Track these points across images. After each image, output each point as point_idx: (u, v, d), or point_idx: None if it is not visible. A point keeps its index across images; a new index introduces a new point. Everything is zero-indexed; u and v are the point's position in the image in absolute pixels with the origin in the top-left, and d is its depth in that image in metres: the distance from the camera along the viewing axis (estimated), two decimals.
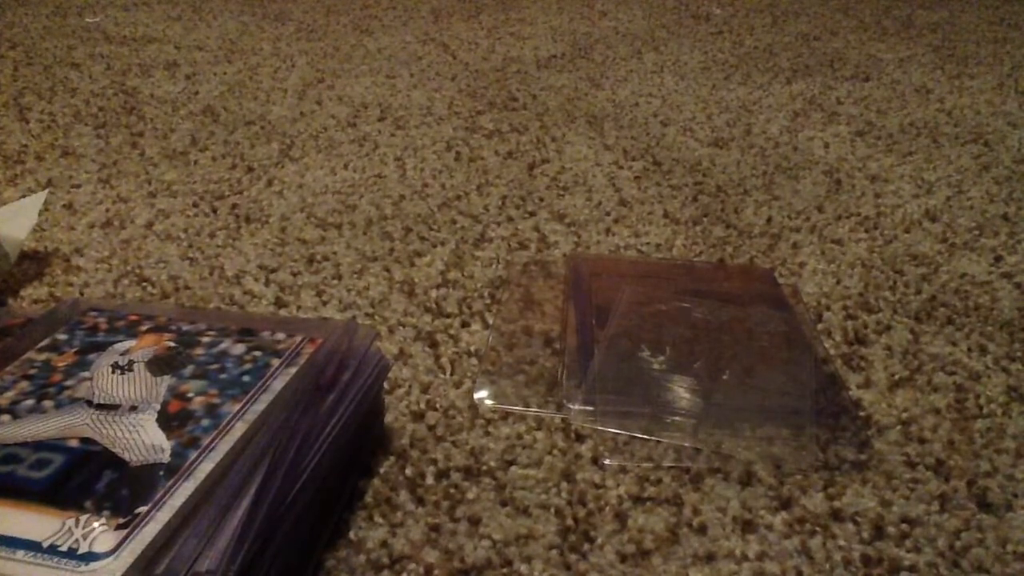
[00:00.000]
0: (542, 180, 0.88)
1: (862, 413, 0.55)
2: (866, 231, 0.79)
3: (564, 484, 0.48)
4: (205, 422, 0.38)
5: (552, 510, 0.47)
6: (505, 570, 0.43)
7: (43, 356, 0.43)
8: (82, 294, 0.66)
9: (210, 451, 0.36)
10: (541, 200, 0.83)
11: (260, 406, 0.39)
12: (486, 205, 0.82)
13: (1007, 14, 1.62)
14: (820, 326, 0.64)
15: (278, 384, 0.41)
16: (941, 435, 0.53)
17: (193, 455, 0.36)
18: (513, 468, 0.49)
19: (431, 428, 0.52)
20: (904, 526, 0.46)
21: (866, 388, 0.57)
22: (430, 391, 0.56)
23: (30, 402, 0.39)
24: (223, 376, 0.41)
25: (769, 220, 0.80)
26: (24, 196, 0.82)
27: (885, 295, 0.68)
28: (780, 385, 0.56)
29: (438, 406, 0.55)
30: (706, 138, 1.00)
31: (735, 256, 0.74)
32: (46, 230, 0.76)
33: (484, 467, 0.50)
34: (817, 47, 1.39)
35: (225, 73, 1.20)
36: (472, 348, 0.60)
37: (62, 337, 0.45)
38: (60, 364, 0.42)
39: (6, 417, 0.38)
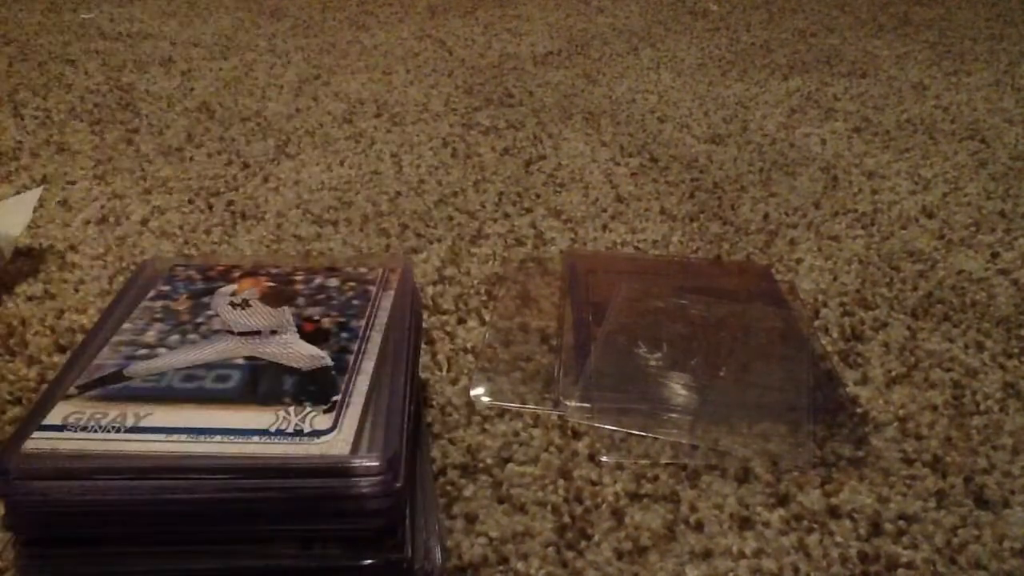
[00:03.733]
0: (539, 177, 0.88)
1: (859, 410, 0.55)
2: (863, 228, 0.78)
3: (561, 481, 0.48)
4: (344, 335, 0.44)
5: (549, 507, 0.47)
6: (502, 567, 0.43)
7: (159, 303, 0.46)
8: (77, 291, 0.66)
9: (363, 354, 0.42)
10: (538, 197, 0.83)
11: (383, 319, 0.45)
12: (483, 202, 0.82)
13: (1003, 11, 1.62)
14: (817, 323, 0.64)
15: (387, 303, 0.47)
16: (938, 432, 0.53)
17: (351, 358, 0.42)
18: (510, 465, 0.49)
19: (428, 425, 0.52)
20: (901, 523, 0.46)
21: (863, 385, 0.57)
22: (427, 388, 0.56)
23: (176, 337, 0.43)
24: (334, 302, 0.47)
25: (766, 216, 0.80)
26: (19, 193, 0.81)
27: (882, 291, 0.68)
28: (777, 382, 0.56)
29: (435, 403, 0.54)
30: (703, 134, 1.00)
31: (732, 253, 0.74)
32: (41, 227, 0.75)
33: (481, 464, 0.49)
34: (814, 43, 1.39)
35: (221, 69, 1.20)
36: (468, 345, 0.60)
37: (165, 288, 0.48)
38: (180, 308, 0.46)
39: (163, 350, 0.42)
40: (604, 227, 0.78)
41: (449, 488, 0.48)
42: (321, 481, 0.35)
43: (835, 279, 0.70)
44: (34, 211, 0.73)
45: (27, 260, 0.70)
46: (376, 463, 0.35)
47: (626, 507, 0.47)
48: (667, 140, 0.98)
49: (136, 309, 0.46)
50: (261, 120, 1.01)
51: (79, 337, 0.60)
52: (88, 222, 0.76)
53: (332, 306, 0.46)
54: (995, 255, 0.74)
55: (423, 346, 0.60)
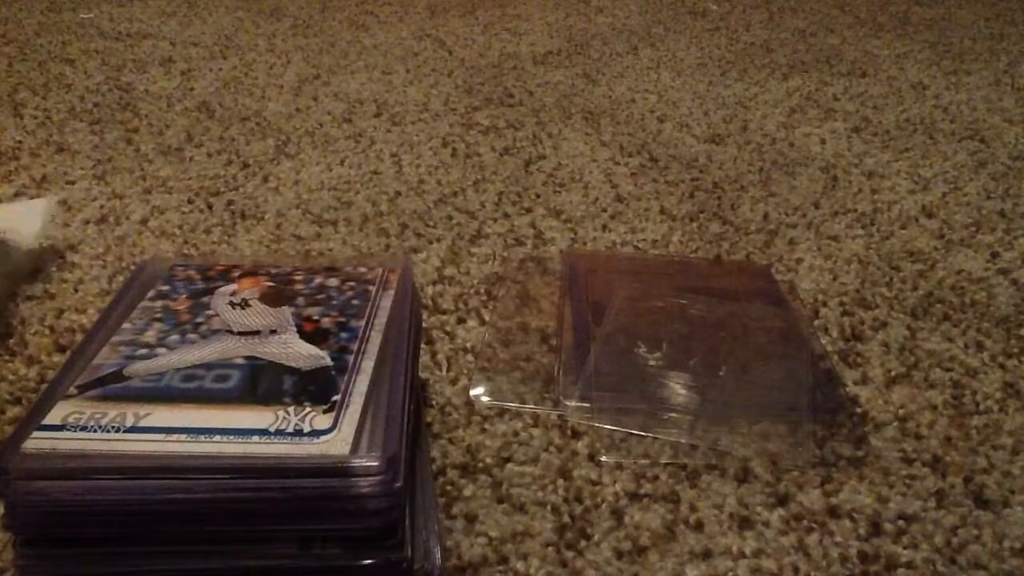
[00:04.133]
0: (538, 176, 0.88)
1: (859, 409, 0.55)
2: (863, 227, 0.78)
3: (561, 481, 0.48)
4: (344, 335, 0.44)
5: (548, 507, 0.47)
6: (501, 567, 0.43)
7: (159, 303, 0.46)
8: (76, 291, 0.66)
9: (363, 354, 0.42)
10: (537, 196, 0.83)
11: (383, 319, 0.46)
12: (482, 201, 0.82)
13: (1003, 10, 1.62)
14: (817, 322, 0.64)
15: (386, 303, 0.47)
16: (938, 431, 0.53)
17: (350, 358, 0.42)
18: (509, 465, 0.49)
19: (428, 425, 0.52)
20: (901, 523, 0.46)
21: (863, 384, 0.57)
22: (426, 388, 0.56)
23: (175, 337, 0.43)
24: (334, 302, 0.47)
25: (766, 216, 0.80)
26: (19, 193, 0.81)
27: (882, 291, 0.68)
28: (777, 381, 0.56)
29: (434, 403, 0.54)
30: (703, 134, 1.00)
31: (732, 252, 0.74)
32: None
33: (480, 464, 0.49)
34: (813, 43, 1.39)
35: (220, 69, 1.19)
36: (468, 345, 0.60)
37: (164, 288, 0.48)
38: (180, 308, 0.46)
39: (162, 349, 0.42)
40: (604, 227, 0.77)
41: (449, 488, 0.48)
42: (321, 481, 0.35)
43: (835, 279, 0.70)
44: (48, 220, 0.73)
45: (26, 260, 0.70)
46: (376, 463, 0.35)
47: (626, 507, 0.47)
48: (667, 140, 0.98)
49: (136, 309, 0.46)
50: (261, 120, 1.01)
51: (79, 337, 0.60)
52: (88, 222, 0.76)
53: (332, 306, 0.46)
54: (995, 255, 0.74)
55: (423, 346, 0.60)
